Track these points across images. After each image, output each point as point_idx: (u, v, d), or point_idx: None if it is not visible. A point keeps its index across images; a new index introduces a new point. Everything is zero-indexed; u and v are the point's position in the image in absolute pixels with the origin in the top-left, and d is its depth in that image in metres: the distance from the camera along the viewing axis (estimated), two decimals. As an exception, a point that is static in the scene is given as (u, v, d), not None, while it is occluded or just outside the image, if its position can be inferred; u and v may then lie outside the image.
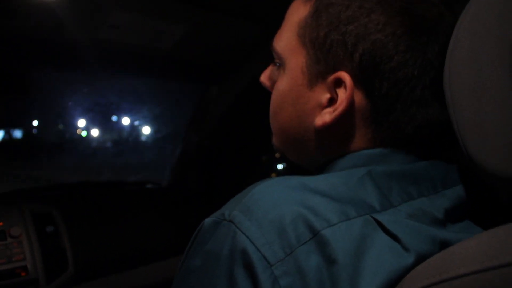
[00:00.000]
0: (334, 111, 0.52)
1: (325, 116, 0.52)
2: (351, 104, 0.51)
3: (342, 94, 0.51)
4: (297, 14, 0.56)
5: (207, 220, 0.46)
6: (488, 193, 0.53)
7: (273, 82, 0.61)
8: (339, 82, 0.51)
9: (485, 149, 0.42)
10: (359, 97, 0.51)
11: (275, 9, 0.61)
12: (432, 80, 0.50)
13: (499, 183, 0.43)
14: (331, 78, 0.52)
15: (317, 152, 0.57)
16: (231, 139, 1.78)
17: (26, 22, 1.10)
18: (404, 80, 0.49)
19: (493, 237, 0.36)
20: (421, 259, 0.42)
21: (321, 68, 0.53)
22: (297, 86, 0.55)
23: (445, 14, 0.52)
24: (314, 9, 0.53)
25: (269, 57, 0.61)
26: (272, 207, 0.42)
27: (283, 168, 1.75)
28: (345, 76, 0.50)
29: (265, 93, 0.65)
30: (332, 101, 0.53)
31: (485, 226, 0.50)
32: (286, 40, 0.57)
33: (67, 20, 1.10)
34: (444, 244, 0.44)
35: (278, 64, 0.59)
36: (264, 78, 0.64)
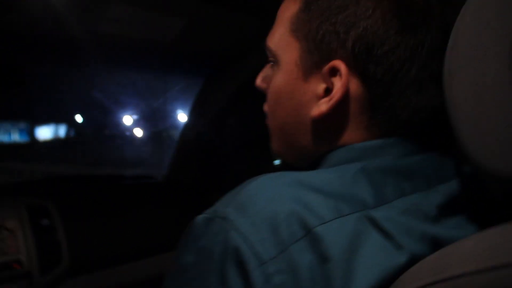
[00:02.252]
0: (330, 100, 0.52)
1: (322, 106, 0.52)
2: (347, 91, 0.51)
3: (337, 83, 0.51)
4: (288, 10, 0.57)
5: (199, 217, 0.45)
6: (482, 190, 0.53)
7: (268, 83, 0.61)
8: (334, 71, 0.52)
9: (484, 148, 0.41)
10: (354, 84, 0.51)
11: (274, 2, 0.61)
12: (425, 62, 0.51)
13: (495, 183, 0.43)
14: (326, 68, 0.52)
15: (314, 145, 0.57)
16: (230, 132, 1.77)
17: (24, 16, 1.09)
18: (397, 63, 0.50)
19: (489, 238, 0.35)
20: (414, 257, 0.41)
21: (315, 59, 0.53)
22: (293, 79, 0.55)
23: None
24: (304, 3, 0.54)
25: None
26: (266, 204, 0.42)
27: (281, 163, 1.75)
28: (339, 64, 0.51)
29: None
30: (328, 91, 0.53)
31: (479, 223, 0.50)
32: (279, 37, 0.57)
33: (65, 13, 1.09)
34: (437, 241, 0.44)
35: (272, 63, 0.60)
36: (259, 81, 0.65)
